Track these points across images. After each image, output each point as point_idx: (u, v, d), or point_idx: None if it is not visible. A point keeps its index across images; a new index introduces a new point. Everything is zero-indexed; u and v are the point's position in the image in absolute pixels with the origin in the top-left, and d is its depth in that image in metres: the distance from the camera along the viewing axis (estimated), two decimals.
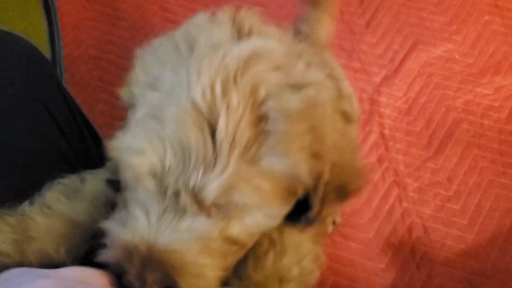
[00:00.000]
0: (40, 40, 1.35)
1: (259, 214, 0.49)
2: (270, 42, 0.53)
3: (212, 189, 0.46)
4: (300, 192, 0.51)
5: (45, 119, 0.67)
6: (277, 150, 0.47)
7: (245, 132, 0.46)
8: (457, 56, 1.36)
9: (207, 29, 0.53)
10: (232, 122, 0.46)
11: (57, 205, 0.56)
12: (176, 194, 0.47)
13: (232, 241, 0.50)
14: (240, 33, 0.53)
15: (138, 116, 0.49)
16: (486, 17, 1.41)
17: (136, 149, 0.47)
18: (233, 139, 0.46)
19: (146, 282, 0.47)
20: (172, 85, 0.49)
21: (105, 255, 0.49)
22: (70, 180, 0.58)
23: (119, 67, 1.33)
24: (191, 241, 0.47)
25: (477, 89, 1.32)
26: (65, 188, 0.57)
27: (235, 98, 0.46)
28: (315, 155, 0.49)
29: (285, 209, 0.51)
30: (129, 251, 0.47)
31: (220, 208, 0.47)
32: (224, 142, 0.46)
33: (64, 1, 1.42)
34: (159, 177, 0.47)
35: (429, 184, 1.22)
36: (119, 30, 1.37)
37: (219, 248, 0.49)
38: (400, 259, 1.15)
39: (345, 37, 1.38)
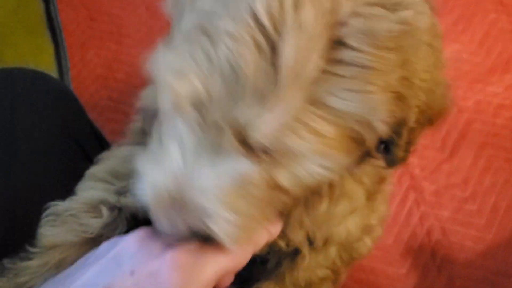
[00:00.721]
0: (47, 62, 1.35)
1: (315, 165, 0.40)
2: None
3: (263, 128, 0.37)
4: (370, 143, 0.42)
5: (78, 156, 0.67)
6: (352, 85, 0.37)
7: (316, 60, 0.36)
8: (465, 56, 1.36)
9: None
10: (302, 45, 0.36)
11: (43, 240, 0.54)
12: (220, 129, 0.39)
13: (279, 189, 0.42)
14: None
15: (184, 26, 0.40)
16: (492, 16, 1.41)
17: (178, 70, 0.39)
18: (301, 68, 0.36)
19: (176, 227, 0.42)
20: None
21: (139, 198, 0.44)
22: (53, 208, 0.56)
23: (127, 85, 1.33)
24: (229, 184, 0.41)
25: (487, 88, 1.32)
26: (49, 218, 0.55)
27: (308, 14, 0.36)
28: (400, 98, 0.40)
29: (348, 160, 0.43)
30: (161, 195, 0.42)
31: (269, 153, 0.40)
32: (289, 71, 0.36)
33: (69, 21, 1.42)
34: (202, 107, 0.39)
35: (445, 186, 1.22)
36: (126, 48, 1.37)
37: (263, 196, 0.42)
38: (420, 263, 1.15)
39: None
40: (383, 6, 0.38)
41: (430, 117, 0.46)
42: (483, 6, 1.42)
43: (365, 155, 0.46)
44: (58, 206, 0.56)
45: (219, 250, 0.45)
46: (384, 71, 0.38)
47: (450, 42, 1.37)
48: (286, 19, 0.36)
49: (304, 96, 0.37)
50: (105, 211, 0.55)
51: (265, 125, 0.37)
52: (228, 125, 0.38)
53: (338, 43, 0.37)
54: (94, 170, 0.59)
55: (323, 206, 0.50)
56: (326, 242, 0.53)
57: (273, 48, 0.36)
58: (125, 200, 0.57)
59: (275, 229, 0.51)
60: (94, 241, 0.55)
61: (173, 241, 0.45)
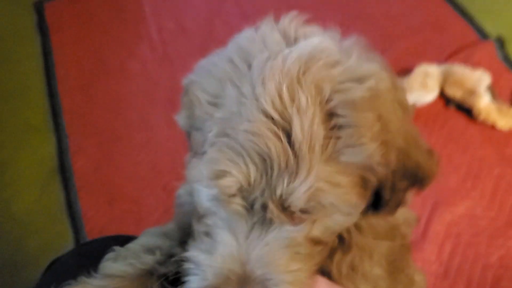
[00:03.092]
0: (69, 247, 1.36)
1: (339, 213, 0.50)
2: (323, 40, 0.53)
3: (299, 195, 0.46)
4: (373, 184, 0.51)
5: None
6: (352, 142, 0.47)
7: (319, 131, 0.47)
8: (479, 212, 1.37)
9: (258, 41, 0.53)
10: (306, 124, 0.46)
11: (104, 270, 0.63)
12: (264, 207, 0.48)
13: (315, 242, 0.51)
14: (288, 39, 0.53)
15: (210, 138, 0.49)
16: (497, 170, 1.45)
17: (222, 171, 0.47)
18: (310, 140, 0.46)
19: None
20: (237, 99, 0.49)
21: (197, 284, 0.50)
22: (115, 250, 0.65)
23: None
24: (280, 250, 0.49)
25: (508, 242, 1.31)
26: (110, 256, 0.65)
27: (303, 100, 0.47)
28: (384, 143, 0.49)
29: (362, 204, 0.52)
30: (225, 275, 0.48)
31: (306, 213, 0.49)
32: (303, 145, 0.46)
33: (89, 207, 1.46)
34: (245, 194, 0.48)
35: None
36: (148, 224, 1.39)
37: (306, 251, 0.51)
38: None
39: None
40: (352, 80, 0.49)
41: (415, 168, 0.54)
42: (487, 161, 1.47)
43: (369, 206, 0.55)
44: (119, 249, 0.66)
45: None
46: (368, 125, 0.48)
47: (462, 200, 1.39)
48: (288, 108, 0.47)
49: (321, 160, 0.47)
50: (158, 252, 0.65)
51: (299, 192, 0.46)
52: (270, 200, 0.47)
53: (331, 113, 0.48)
54: (151, 229, 0.70)
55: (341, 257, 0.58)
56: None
57: (285, 132, 0.46)
58: (177, 250, 0.65)
59: None
60: (147, 275, 0.64)
61: None
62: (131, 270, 0.63)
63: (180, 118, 0.56)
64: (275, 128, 0.46)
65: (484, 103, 1.53)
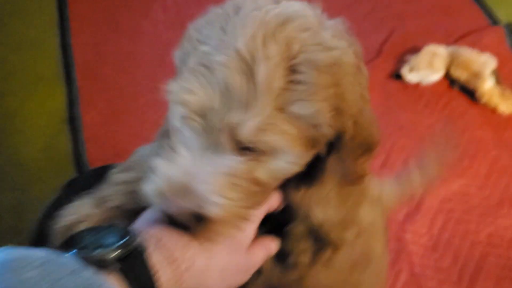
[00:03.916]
0: None
1: (283, 159, 0.56)
2: (305, 9, 0.58)
3: (248, 128, 0.52)
4: (321, 144, 0.57)
5: None
6: (304, 97, 0.53)
7: (279, 79, 0.52)
8: (473, 190, 1.41)
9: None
10: (270, 69, 0.52)
11: (113, 177, 0.71)
12: (218, 131, 0.54)
13: (256, 182, 0.56)
14: (277, 2, 0.59)
15: (189, 64, 0.55)
16: (493, 152, 1.48)
17: (189, 89, 0.54)
18: (270, 84, 0.52)
19: (181, 208, 0.54)
20: (219, 38, 0.55)
21: (154, 186, 0.55)
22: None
23: None
24: (222, 176, 0.54)
25: (498, 221, 1.35)
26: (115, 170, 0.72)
27: (273, 49, 0.53)
28: (337, 110, 0.55)
29: (306, 157, 0.58)
30: (174, 183, 0.54)
31: (252, 149, 0.54)
32: (262, 87, 0.52)
33: (95, 158, 1.50)
34: (206, 115, 0.54)
35: None
36: None
37: (244, 187, 0.56)
38: None
39: None
40: (320, 46, 0.55)
41: (365, 141, 0.60)
42: (484, 143, 1.50)
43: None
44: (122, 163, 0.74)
45: None
46: (323, 86, 0.53)
47: (457, 177, 1.43)
48: (258, 52, 0.52)
49: (273, 105, 0.52)
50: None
51: (248, 125, 0.52)
52: (225, 127, 0.53)
53: (293, 69, 0.53)
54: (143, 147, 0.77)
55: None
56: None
57: (251, 72, 0.52)
58: None
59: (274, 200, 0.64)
60: None
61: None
62: (138, 176, 0.67)
63: (176, 53, 0.62)
64: (243, 65, 0.52)
65: (487, 86, 1.55)
